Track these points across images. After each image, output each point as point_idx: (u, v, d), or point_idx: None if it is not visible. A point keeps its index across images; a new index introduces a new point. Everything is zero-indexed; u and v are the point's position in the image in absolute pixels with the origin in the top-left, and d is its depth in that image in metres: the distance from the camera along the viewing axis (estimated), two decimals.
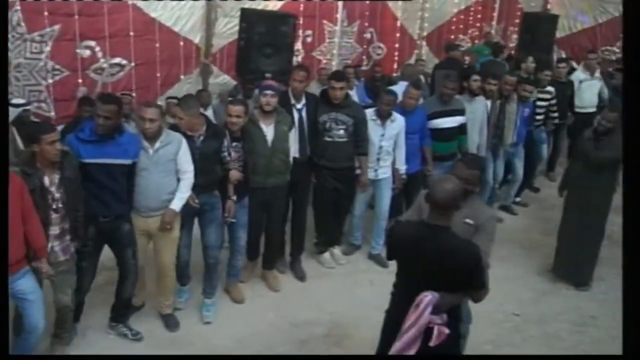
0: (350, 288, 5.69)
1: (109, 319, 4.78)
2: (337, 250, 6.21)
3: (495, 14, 12.42)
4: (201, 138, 4.78)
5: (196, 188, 4.70)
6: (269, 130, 5.21)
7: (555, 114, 8.21)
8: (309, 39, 8.92)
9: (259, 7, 7.64)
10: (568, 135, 8.88)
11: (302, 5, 8.51)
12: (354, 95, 7.77)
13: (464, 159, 4.05)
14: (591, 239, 5.90)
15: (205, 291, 5.15)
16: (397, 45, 10.51)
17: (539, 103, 7.91)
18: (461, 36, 11.76)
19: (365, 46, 10.06)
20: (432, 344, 3.18)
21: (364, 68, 9.81)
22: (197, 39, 7.44)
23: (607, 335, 5.23)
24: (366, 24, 9.90)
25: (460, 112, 6.59)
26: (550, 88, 8.07)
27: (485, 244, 3.65)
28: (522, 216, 7.68)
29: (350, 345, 4.80)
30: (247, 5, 7.35)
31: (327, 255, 6.15)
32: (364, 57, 10.09)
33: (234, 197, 5.03)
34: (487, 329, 5.11)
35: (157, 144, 4.50)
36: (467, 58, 10.52)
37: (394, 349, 3.28)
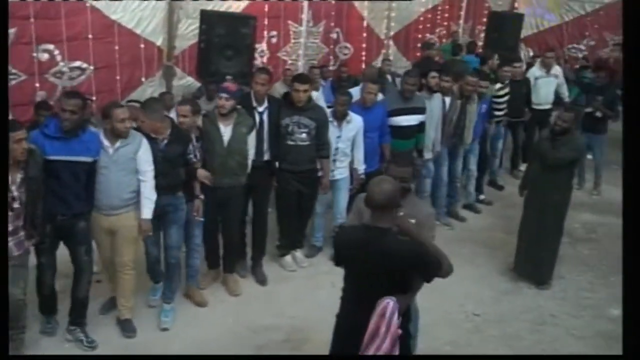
0: (311, 291, 5.67)
1: (68, 322, 4.74)
2: (299, 253, 6.19)
3: (463, 13, 12.49)
4: (165, 141, 4.81)
5: (158, 189, 4.72)
6: (226, 130, 5.23)
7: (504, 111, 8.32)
8: (274, 40, 8.90)
9: (223, 8, 7.61)
10: (524, 131, 8.99)
11: (266, 6, 8.48)
12: (320, 96, 7.79)
13: (394, 159, 4.07)
14: (550, 238, 5.95)
15: (165, 295, 5.14)
16: (364, 45, 10.54)
17: (498, 100, 8.05)
18: (429, 35, 11.82)
19: (331, 46, 10.06)
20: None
21: (330, 68, 9.79)
22: (159, 41, 7.37)
23: (566, 334, 5.29)
24: (332, 24, 9.91)
25: (421, 110, 6.60)
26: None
27: (428, 240, 3.68)
28: (486, 215, 7.72)
29: (309, 350, 4.76)
30: (210, 6, 7.32)
31: (288, 258, 6.12)
32: (331, 57, 10.09)
33: (202, 196, 5.10)
34: (447, 330, 5.15)
35: (118, 143, 4.53)
36: (437, 57, 10.57)
37: None
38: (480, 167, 7.87)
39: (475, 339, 5.11)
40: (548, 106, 8.89)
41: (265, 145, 5.65)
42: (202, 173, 5.07)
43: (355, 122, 6.02)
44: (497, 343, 5.05)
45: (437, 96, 6.87)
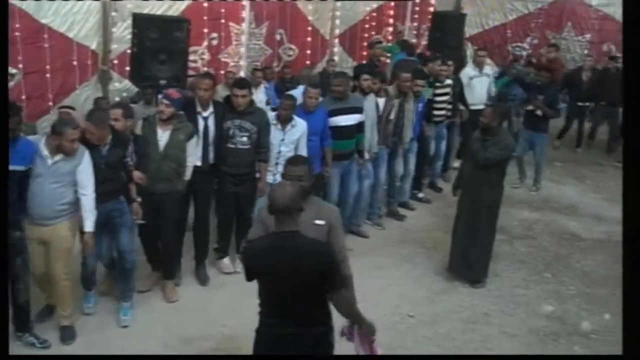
0: (246, 298, 5.49)
1: (14, 330, 4.67)
2: (238, 256, 6.16)
3: (408, 13, 12.53)
4: (107, 147, 4.81)
5: (103, 196, 4.72)
6: (163, 135, 5.23)
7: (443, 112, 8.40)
8: (214, 42, 8.79)
9: (161, 10, 7.52)
10: (461, 132, 9.13)
11: (206, 7, 8.40)
12: (262, 97, 7.77)
13: (289, 160, 4.08)
14: (484, 237, 6.02)
15: (123, 294, 5.14)
16: (308, 46, 10.48)
17: (438, 98, 8.15)
18: (375, 35, 11.82)
19: (275, 48, 9.99)
20: None
21: (275, 70, 9.74)
22: (93, 44, 7.25)
23: (499, 332, 5.36)
24: (276, 25, 9.83)
25: (359, 110, 6.61)
26: (449, 81, 8.33)
27: (342, 238, 3.80)
28: (425, 214, 7.78)
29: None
30: (148, 8, 7.22)
31: (226, 260, 6.10)
32: (275, 58, 10.02)
33: (139, 199, 5.09)
34: (381, 332, 5.03)
35: (58, 157, 4.49)
36: (382, 58, 10.60)
37: None
38: (419, 165, 7.93)
39: (408, 341, 5.13)
40: (482, 106, 8.95)
41: (212, 150, 5.63)
42: (136, 174, 5.06)
43: (300, 126, 6.02)
44: (429, 344, 5.09)
45: (371, 98, 6.89)
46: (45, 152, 4.46)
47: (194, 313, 5.34)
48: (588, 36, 12.78)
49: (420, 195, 8.21)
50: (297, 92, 6.56)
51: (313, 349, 3.37)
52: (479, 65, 9.27)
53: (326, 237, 3.71)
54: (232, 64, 9.15)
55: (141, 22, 6.29)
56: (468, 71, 9.17)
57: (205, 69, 8.39)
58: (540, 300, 5.88)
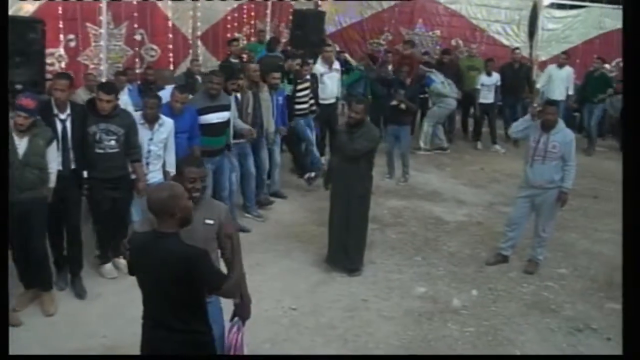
0: (124, 306, 5.39)
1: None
2: (122, 260, 5.98)
3: (269, 12, 12.65)
4: None
5: None
6: (22, 143, 4.98)
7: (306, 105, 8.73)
8: (72, 44, 8.40)
9: (11, 11, 7.06)
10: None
11: (60, 8, 8.02)
12: (126, 100, 7.57)
13: (187, 161, 4.03)
14: (357, 226, 6.25)
15: None
16: (170, 46, 10.27)
17: (299, 94, 8.48)
18: (237, 34, 11.83)
19: (136, 48, 9.71)
20: None
21: (137, 71, 9.49)
22: None
23: (377, 316, 5.57)
24: (135, 25, 9.55)
25: (228, 107, 6.80)
26: (308, 76, 8.67)
27: (235, 235, 3.75)
28: (299, 209, 7.93)
29: None
30: None
31: (108, 266, 5.96)
32: (137, 59, 9.75)
33: None
34: (266, 327, 5.19)
35: None
36: (244, 56, 10.63)
37: None
38: (298, 151, 8.42)
39: (292, 333, 5.22)
40: (333, 100, 9.46)
41: (71, 154, 5.43)
42: None
43: (167, 125, 6.03)
44: (312, 334, 5.20)
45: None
46: None
47: (71, 327, 5.11)
48: (438, 32, 13.55)
49: (313, 174, 8.57)
50: (165, 93, 6.50)
51: (180, 354, 3.32)
52: (327, 61, 9.56)
53: (215, 235, 3.73)
54: (92, 66, 8.81)
55: None
56: (318, 68, 9.43)
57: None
58: (413, 282, 6.19)
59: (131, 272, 3.34)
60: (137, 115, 5.97)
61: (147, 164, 5.97)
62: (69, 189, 5.45)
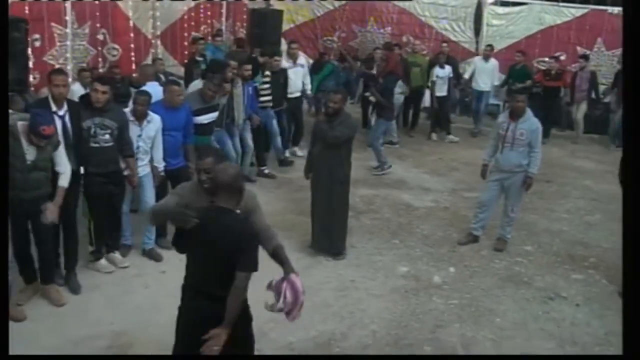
0: (125, 296, 5.62)
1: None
2: (117, 254, 6.17)
3: (224, 11, 12.83)
4: None
5: None
6: (30, 149, 5.00)
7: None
8: (37, 44, 8.40)
9: None
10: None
11: (27, 8, 8.03)
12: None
13: (197, 152, 4.27)
14: (340, 211, 6.59)
15: None
16: (132, 46, 10.35)
17: (262, 86, 8.95)
18: (194, 33, 11.97)
19: (99, 48, 9.76)
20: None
21: (100, 70, 9.53)
22: None
23: (367, 294, 5.91)
24: (98, 25, 9.60)
25: (217, 108, 7.19)
26: (268, 72, 9.16)
27: (263, 220, 4.04)
28: (274, 200, 8.15)
29: (137, 350, 4.81)
30: None
31: (103, 261, 6.06)
32: (100, 59, 9.79)
33: None
34: (264, 311, 5.41)
35: None
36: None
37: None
38: (259, 143, 8.75)
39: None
40: (298, 94, 9.93)
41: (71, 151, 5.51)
42: None
43: (155, 122, 6.18)
44: (310, 312, 5.40)
45: None
46: None
47: (77, 317, 5.24)
48: (389, 29, 13.98)
49: (266, 170, 9.08)
50: (148, 89, 6.64)
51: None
52: (292, 57, 9.98)
53: None
54: (57, 65, 8.81)
55: None
56: (283, 63, 9.76)
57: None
58: (395, 263, 6.56)
59: (180, 245, 3.56)
60: (127, 112, 6.10)
61: (137, 159, 6.11)
62: (70, 185, 5.47)
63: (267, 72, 9.17)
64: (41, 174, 5.10)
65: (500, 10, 13.71)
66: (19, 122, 5.01)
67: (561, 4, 13.10)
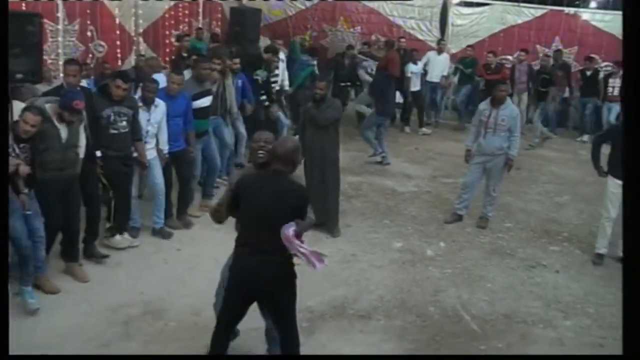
0: (147, 270, 6.01)
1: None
2: (126, 235, 6.52)
3: (201, 10, 13.20)
4: None
5: None
6: (62, 126, 5.38)
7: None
8: None
9: None
10: None
11: (23, 6, 8.29)
12: None
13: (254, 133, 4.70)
14: (333, 189, 7.15)
15: (24, 280, 5.14)
16: (117, 43, 10.69)
17: (273, 79, 9.49)
18: (174, 32, 12.33)
19: (87, 44, 10.06)
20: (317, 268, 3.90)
21: (90, 66, 9.82)
22: None
23: (369, 265, 6.44)
24: (87, 22, 9.93)
25: (211, 92, 7.56)
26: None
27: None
28: None
29: (172, 316, 5.20)
30: None
31: (118, 237, 6.40)
32: (89, 55, 10.09)
33: (26, 191, 5.10)
34: None
35: None
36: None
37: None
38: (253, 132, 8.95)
39: (304, 281, 5.77)
40: (277, 87, 10.42)
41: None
42: (24, 169, 5.03)
43: (161, 106, 6.61)
44: (321, 281, 5.82)
45: None
46: None
47: (107, 288, 5.61)
48: (359, 28, 14.56)
49: None
50: (158, 77, 7.10)
51: (276, 277, 4.06)
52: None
53: None
54: (49, 61, 9.08)
55: None
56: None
57: None
58: (390, 239, 7.10)
59: (232, 205, 3.99)
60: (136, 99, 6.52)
61: (145, 143, 6.53)
62: (86, 163, 5.84)
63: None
64: (73, 152, 5.48)
65: (465, 10, 14.47)
66: (46, 104, 5.37)
67: (522, 4, 13.89)
